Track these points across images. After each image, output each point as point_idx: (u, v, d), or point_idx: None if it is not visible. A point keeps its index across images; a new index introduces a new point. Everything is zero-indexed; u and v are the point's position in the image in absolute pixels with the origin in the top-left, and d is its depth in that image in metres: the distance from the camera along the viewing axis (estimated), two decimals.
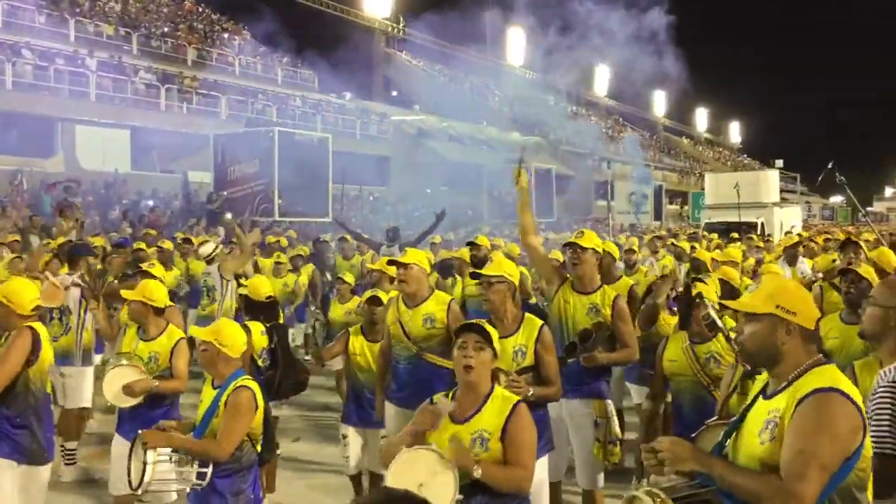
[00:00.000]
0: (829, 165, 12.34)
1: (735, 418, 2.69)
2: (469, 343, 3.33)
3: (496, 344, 3.38)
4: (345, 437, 5.75)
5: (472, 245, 8.14)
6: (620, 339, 5.01)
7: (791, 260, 9.21)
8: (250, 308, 6.02)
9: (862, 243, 6.84)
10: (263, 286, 6.19)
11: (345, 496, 6.01)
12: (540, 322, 4.59)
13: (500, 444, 3.23)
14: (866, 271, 5.05)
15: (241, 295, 6.18)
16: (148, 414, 5.00)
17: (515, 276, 4.58)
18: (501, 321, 4.50)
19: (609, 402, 5.07)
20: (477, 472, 3.12)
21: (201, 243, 10.42)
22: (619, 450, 5.06)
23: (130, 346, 5.20)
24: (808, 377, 2.45)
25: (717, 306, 4.51)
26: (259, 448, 4.09)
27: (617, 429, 5.05)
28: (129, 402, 4.96)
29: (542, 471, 4.46)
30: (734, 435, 2.62)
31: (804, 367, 2.48)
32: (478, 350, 3.31)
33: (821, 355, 2.55)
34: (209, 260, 9.15)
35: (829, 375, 2.44)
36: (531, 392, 4.28)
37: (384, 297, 5.75)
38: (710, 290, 4.78)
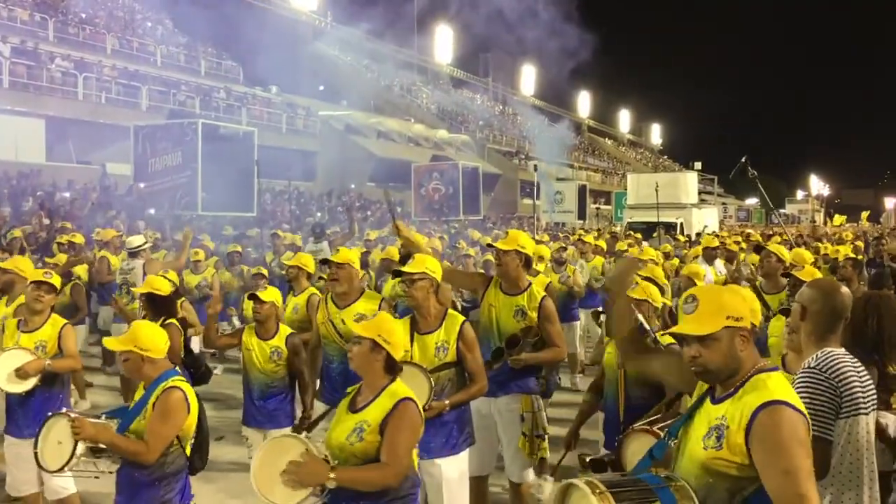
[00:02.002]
0: (743, 159, 12.87)
1: (683, 417, 2.70)
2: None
3: (377, 336, 3.36)
4: (247, 439, 5.65)
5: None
6: (548, 338, 5.03)
7: (709, 259, 9.87)
8: (154, 304, 5.74)
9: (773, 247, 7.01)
10: (164, 282, 5.99)
11: None
12: (462, 318, 4.64)
13: (379, 436, 3.26)
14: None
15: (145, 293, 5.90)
16: (39, 405, 4.91)
17: (438, 272, 4.61)
18: (424, 317, 4.57)
19: (536, 397, 5.14)
20: (331, 483, 3.12)
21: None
22: (547, 444, 5.16)
23: (12, 339, 5.11)
24: (753, 388, 2.46)
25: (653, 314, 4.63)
26: (188, 452, 3.88)
27: (545, 423, 5.13)
28: (23, 386, 4.87)
29: (462, 464, 4.54)
30: (681, 434, 2.63)
31: (750, 374, 2.51)
32: (354, 343, 3.42)
33: (763, 360, 2.58)
34: (133, 253, 8.93)
35: (772, 385, 2.46)
36: (447, 403, 4.38)
37: (271, 296, 5.57)
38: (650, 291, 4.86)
